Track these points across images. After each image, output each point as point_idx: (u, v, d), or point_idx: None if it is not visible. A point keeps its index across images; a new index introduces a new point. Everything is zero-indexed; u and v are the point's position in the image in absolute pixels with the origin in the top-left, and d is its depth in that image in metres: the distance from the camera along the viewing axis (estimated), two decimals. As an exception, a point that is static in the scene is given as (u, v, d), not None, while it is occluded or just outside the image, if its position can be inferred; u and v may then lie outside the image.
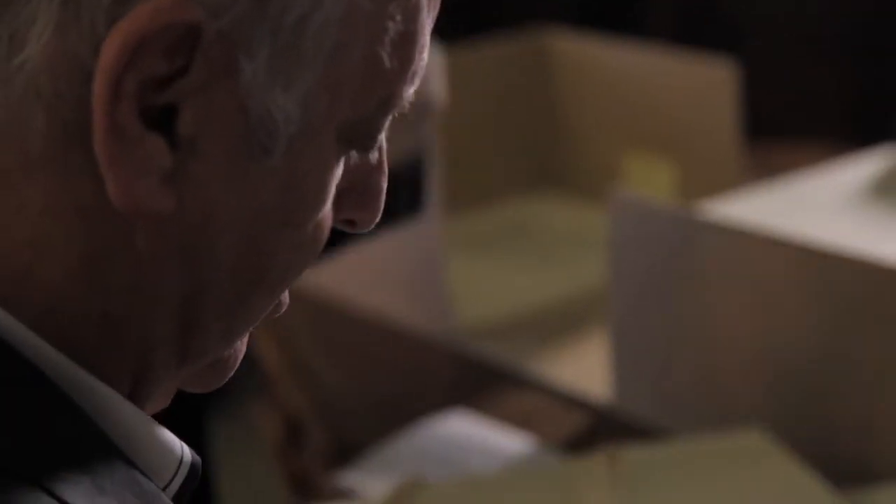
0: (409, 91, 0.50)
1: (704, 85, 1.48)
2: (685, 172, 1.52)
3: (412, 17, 0.49)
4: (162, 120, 0.46)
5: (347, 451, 1.15)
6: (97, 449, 0.47)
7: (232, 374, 0.54)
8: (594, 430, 1.15)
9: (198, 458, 0.52)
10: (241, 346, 0.53)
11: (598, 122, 1.62)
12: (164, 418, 0.52)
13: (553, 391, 1.22)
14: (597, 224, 1.43)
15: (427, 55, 0.50)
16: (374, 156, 0.52)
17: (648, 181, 1.54)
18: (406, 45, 0.49)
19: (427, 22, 0.50)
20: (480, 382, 1.24)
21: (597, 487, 1.00)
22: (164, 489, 0.50)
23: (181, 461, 0.51)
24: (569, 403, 1.19)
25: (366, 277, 1.35)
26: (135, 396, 0.50)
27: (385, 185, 0.53)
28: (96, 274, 0.47)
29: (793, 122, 2.28)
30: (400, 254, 1.40)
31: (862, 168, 1.27)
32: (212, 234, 0.48)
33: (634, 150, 1.58)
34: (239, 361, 0.53)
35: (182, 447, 0.51)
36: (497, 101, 1.65)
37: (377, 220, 0.54)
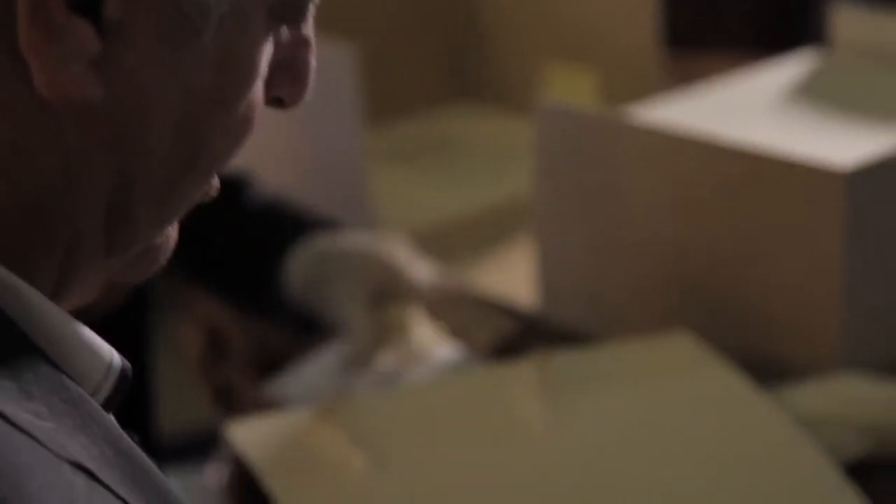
0: None
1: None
2: (607, 82, 1.52)
3: None
4: (88, 5, 0.45)
5: (274, 363, 1.14)
6: (20, 352, 0.46)
7: (164, 261, 0.52)
8: (523, 338, 1.15)
9: (128, 364, 0.51)
10: (172, 232, 0.52)
11: (518, 31, 1.60)
12: (104, 332, 0.50)
13: (482, 299, 1.22)
14: (520, 134, 1.42)
15: None
16: (303, 31, 0.52)
17: (570, 90, 1.53)
18: None
19: None
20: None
21: (527, 392, 1.00)
22: (93, 395, 0.49)
23: (110, 366, 0.50)
24: (497, 312, 1.19)
25: (289, 191, 1.33)
26: (59, 291, 0.49)
27: (313, 61, 0.52)
28: (21, 167, 0.46)
29: (709, 33, 2.28)
30: (323, 166, 1.38)
31: (782, 72, 1.27)
32: (143, 120, 0.47)
33: (555, 59, 1.57)
34: (171, 249, 0.52)
35: (111, 352, 0.50)
36: (416, 13, 1.63)
37: (305, 96, 0.53)
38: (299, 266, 1.09)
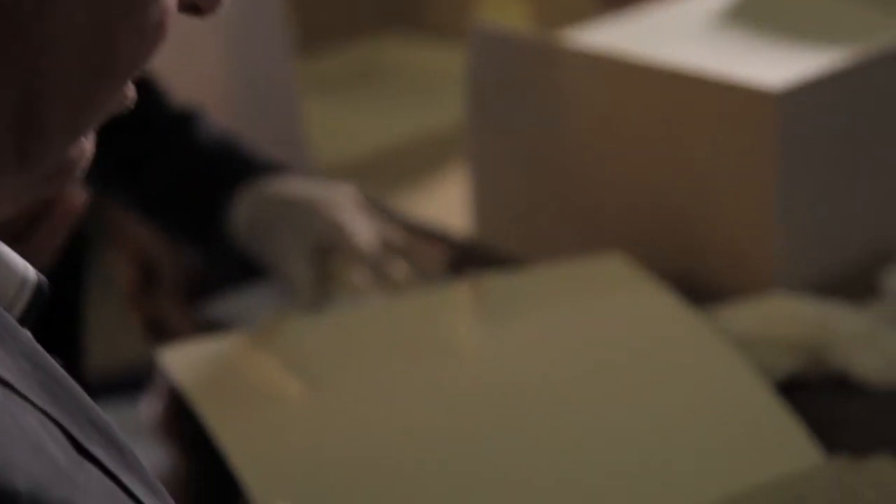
0: None
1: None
2: (539, 8, 1.51)
3: None
4: None
5: (207, 287, 1.13)
6: None
7: (81, 174, 0.51)
8: (458, 264, 1.14)
9: (44, 280, 0.50)
10: (88, 144, 0.51)
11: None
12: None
13: (415, 227, 1.21)
14: (452, 62, 1.41)
15: None
16: None
17: (503, 17, 1.52)
18: None
19: None
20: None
21: (461, 314, 0.99)
22: (7, 310, 0.48)
23: (24, 281, 0.49)
24: (432, 238, 1.18)
25: (219, 118, 1.31)
26: None
27: None
28: None
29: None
30: (253, 96, 1.36)
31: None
32: (50, 24, 0.45)
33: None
34: (87, 160, 0.51)
35: (26, 267, 0.49)
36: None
37: (222, 3, 0.51)
38: (244, 208, 1.07)
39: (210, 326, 1.08)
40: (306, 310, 1.04)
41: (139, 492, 0.48)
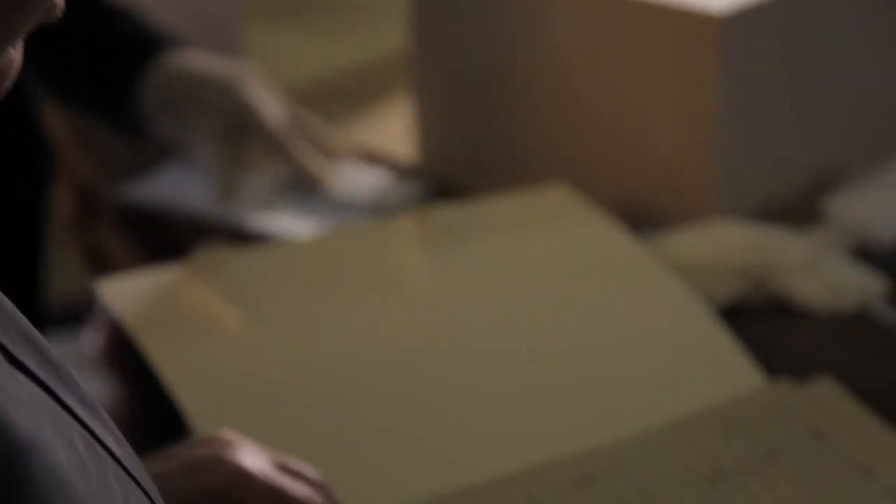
0: None
1: None
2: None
3: None
4: None
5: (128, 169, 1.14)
6: None
7: (9, 84, 0.49)
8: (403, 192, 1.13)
9: None
10: (15, 53, 0.49)
11: None
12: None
13: (359, 154, 1.20)
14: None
15: None
16: None
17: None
18: None
19: None
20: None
21: (406, 246, 0.99)
22: None
23: None
24: (376, 166, 1.17)
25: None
26: None
27: None
28: None
29: None
30: (197, 23, 1.34)
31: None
32: None
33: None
34: (15, 70, 0.49)
35: None
36: None
37: None
38: (151, 88, 1.07)
39: (131, 209, 1.09)
40: (222, 191, 1.05)
41: (75, 407, 0.47)
